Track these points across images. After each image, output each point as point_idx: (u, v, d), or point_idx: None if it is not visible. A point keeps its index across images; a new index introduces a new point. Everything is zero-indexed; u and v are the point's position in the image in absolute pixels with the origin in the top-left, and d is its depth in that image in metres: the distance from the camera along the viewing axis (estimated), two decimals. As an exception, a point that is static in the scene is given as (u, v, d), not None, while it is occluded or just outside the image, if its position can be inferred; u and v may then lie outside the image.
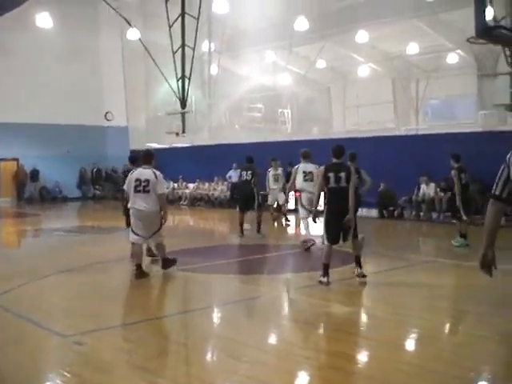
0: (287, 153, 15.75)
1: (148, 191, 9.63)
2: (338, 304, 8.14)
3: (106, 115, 30.63)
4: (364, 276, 9.11)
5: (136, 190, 9.67)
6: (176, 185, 27.27)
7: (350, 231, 9.07)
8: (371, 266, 9.75)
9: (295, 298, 8.75)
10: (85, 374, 5.47)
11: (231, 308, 8.18)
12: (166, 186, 10.42)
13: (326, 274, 8.98)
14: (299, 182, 12.77)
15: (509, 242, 14.53)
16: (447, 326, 7.30)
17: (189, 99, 23.56)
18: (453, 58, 26.37)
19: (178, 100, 23.20)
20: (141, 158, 10.19)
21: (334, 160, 9.27)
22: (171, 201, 27.70)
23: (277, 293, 8.95)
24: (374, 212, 19.09)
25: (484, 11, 9.24)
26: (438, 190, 17.69)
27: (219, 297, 9.14)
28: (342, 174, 9.03)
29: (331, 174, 9.04)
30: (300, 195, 12.99)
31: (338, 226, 9.00)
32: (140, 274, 9.77)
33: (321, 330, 7.15)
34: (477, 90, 21.03)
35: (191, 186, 26.04)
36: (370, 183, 11.81)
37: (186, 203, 25.76)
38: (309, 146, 19.65)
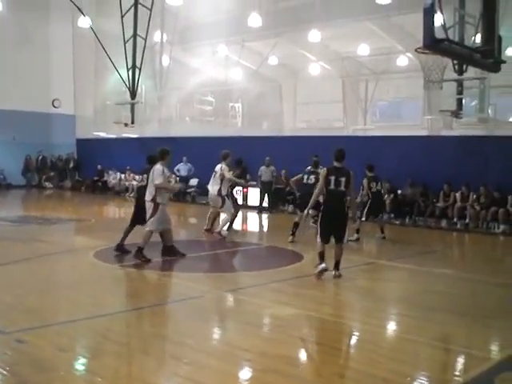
0: (238, 149, 15.81)
1: (147, 184, 11.06)
2: (281, 305, 8.21)
3: (53, 102, 30.07)
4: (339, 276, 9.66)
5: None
6: (123, 176, 27.12)
7: (341, 234, 9.63)
8: (314, 266, 9.91)
9: (239, 299, 8.84)
10: (24, 374, 5.43)
11: (174, 307, 8.22)
12: (159, 178, 10.89)
13: (322, 260, 9.54)
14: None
15: (448, 246, 15.03)
16: (384, 330, 7.47)
17: (139, 90, 23.23)
18: (402, 61, 26.70)
19: (127, 90, 22.89)
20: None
21: (336, 163, 9.66)
22: (118, 192, 27.53)
23: (221, 292, 9.03)
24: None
25: (432, 24, 9.45)
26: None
27: (163, 295, 9.17)
28: (342, 179, 9.47)
29: (332, 178, 9.48)
30: None
31: (331, 226, 9.57)
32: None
33: (262, 332, 7.23)
34: (423, 95, 21.42)
35: (138, 177, 25.72)
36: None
37: (132, 195, 25.49)
38: (259, 142, 19.67)
